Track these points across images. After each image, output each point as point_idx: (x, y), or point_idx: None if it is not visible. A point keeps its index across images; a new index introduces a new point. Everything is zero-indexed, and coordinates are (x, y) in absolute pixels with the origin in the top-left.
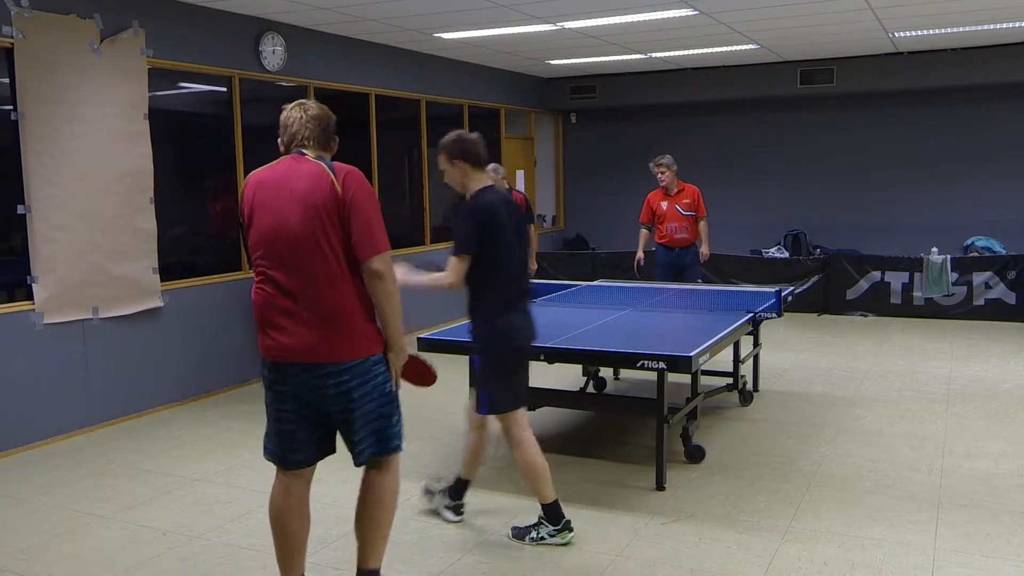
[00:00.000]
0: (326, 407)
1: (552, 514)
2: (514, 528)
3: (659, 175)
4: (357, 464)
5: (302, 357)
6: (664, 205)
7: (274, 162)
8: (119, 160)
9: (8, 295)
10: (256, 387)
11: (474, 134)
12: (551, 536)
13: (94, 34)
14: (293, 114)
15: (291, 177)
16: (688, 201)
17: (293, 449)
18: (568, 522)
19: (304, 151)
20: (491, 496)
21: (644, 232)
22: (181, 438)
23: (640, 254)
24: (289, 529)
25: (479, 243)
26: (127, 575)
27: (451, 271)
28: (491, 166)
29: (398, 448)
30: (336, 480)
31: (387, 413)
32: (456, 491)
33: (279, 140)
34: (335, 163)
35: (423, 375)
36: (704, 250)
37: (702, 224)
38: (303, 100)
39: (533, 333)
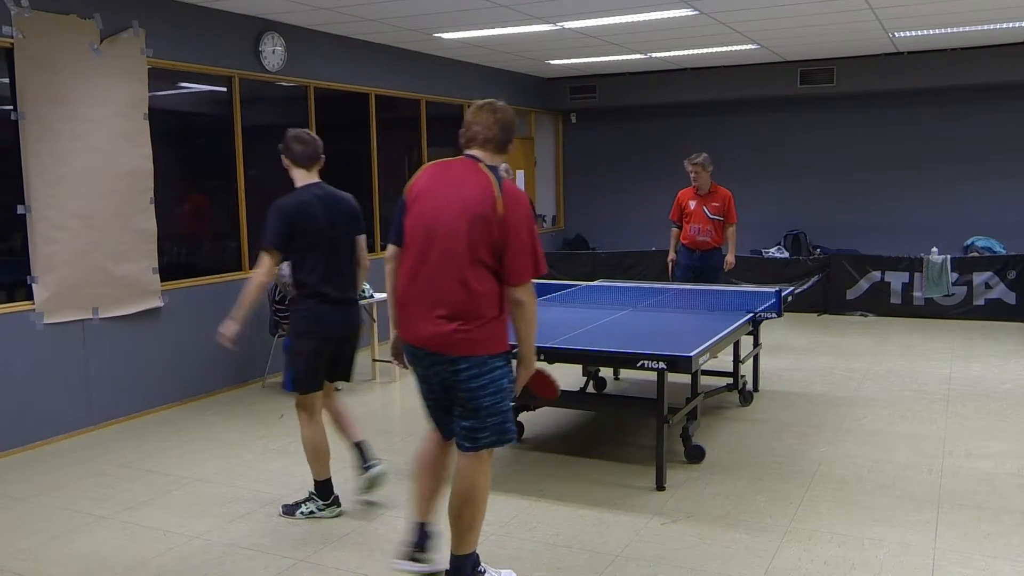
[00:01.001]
0: (451, 392)
1: (323, 490)
2: (284, 506)
3: (692, 173)
4: (468, 450)
5: (430, 346)
6: (692, 205)
7: (450, 159)
8: (119, 160)
9: (8, 295)
10: (256, 387)
11: (309, 135)
12: (320, 511)
13: (94, 34)
14: (483, 115)
15: (462, 182)
16: (717, 204)
17: (437, 422)
18: (337, 498)
19: (479, 154)
20: (491, 496)
21: (675, 231)
22: (181, 438)
23: (672, 255)
24: (427, 483)
25: (289, 238)
26: (127, 575)
27: (259, 265)
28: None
29: (497, 444)
30: (337, 480)
31: (504, 408)
32: (363, 456)
33: (460, 134)
34: (505, 181)
35: (548, 388)
36: (729, 258)
37: (730, 230)
38: (492, 101)
39: (340, 325)
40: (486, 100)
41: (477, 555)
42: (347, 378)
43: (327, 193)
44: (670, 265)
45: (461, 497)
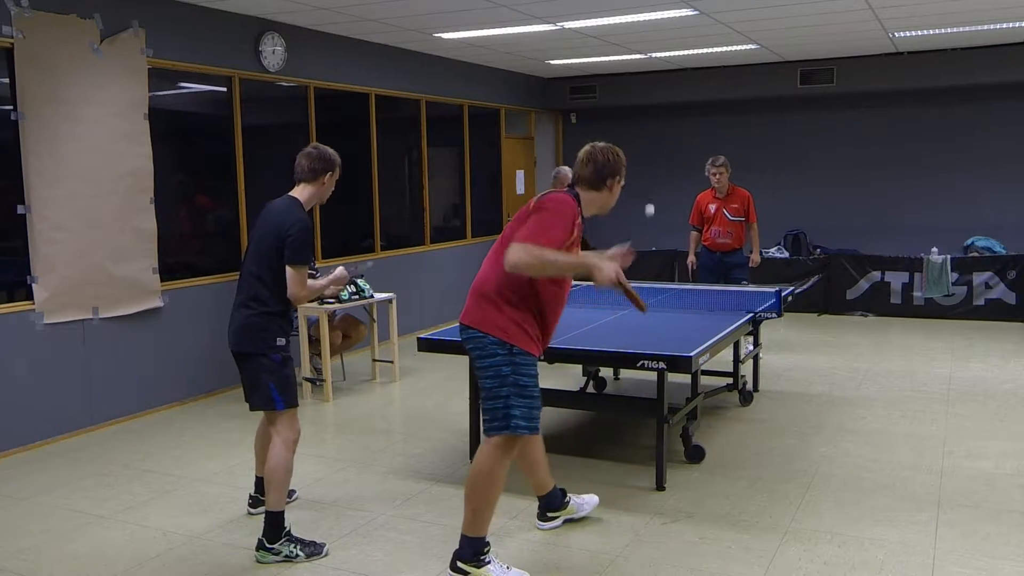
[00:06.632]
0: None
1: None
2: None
3: (716, 177)
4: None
5: (461, 316)
6: (712, 208)
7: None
8: (119, 160)
9: (8, 295)
10: None
11: (308, 148)
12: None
13: (94, 34)
14: (581, 157)
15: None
16: (737, 206)
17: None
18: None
19: (577, 188)
20: None
21: (694, 235)
22: (181, 438)
23: (692, 257)
24: (520, 464)
25: None
26: (127, 575)
27: None
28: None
29: (500, 430)
30: (337, 480)
31: (501, 395)
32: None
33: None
34: (562, 192)
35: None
36: (755, 257)
37: (753, 230)
38: (591, 145)
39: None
40: (591, 145)
41: (485, 542)
42: (249, 402)
43: (269, 206)
44: (690, 267)
45: (470, 478)
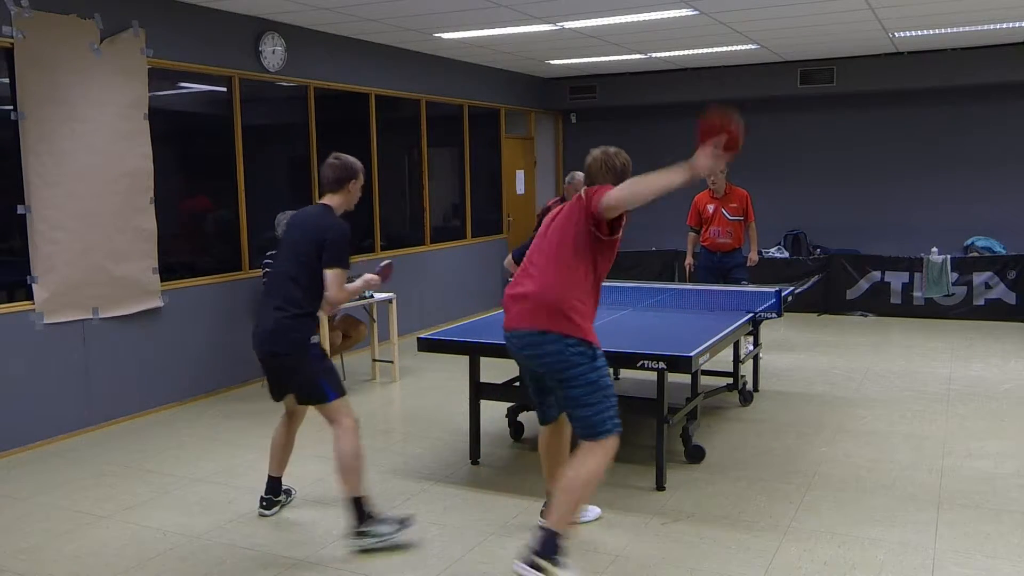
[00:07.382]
0: (537, 372)
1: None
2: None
3: (712, 177)
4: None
5: (517, 324)
6: (711, 208)
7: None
8: (119, 160)
9: (8, 295)
10: (255, 387)
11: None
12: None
13: (94, 34)
14: (593, 159)
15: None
16: (735, 205)
17: (537, 405)
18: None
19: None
20: (491, 496)
21: (692, 236)
22: (181, 438)
23: (689, 259)
24: (547, 462)
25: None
26: (127, 575)
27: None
28: (578, 175)
29: (604, 435)
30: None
31: (593, 402)
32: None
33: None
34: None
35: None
36: (753, 256)
37: (751, 229)
38: (615, 151)
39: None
40: (602, 151)
41: (557, 540)
42: (298, 399)
43: (301, 211)
44: (688, 269)
45: (568, 476)
